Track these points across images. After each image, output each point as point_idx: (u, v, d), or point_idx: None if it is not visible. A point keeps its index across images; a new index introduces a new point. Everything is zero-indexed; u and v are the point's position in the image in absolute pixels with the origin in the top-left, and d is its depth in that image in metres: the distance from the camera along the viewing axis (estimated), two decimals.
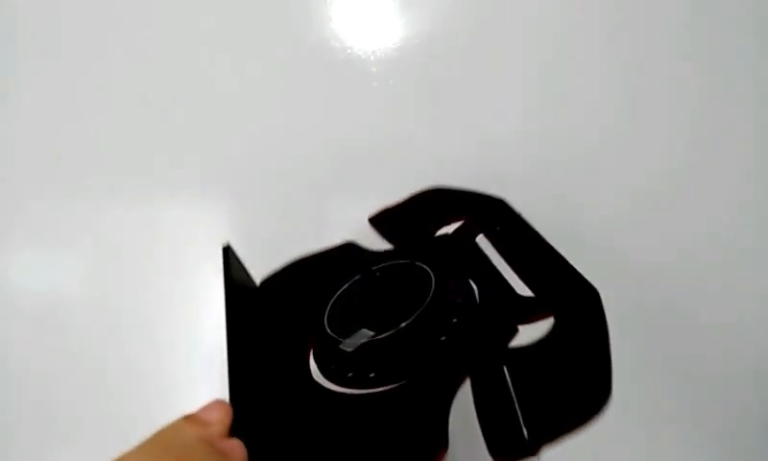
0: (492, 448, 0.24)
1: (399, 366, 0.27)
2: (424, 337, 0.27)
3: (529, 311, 0.27)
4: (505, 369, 0.25)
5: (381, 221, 0.37)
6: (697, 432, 0.46)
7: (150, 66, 0.51)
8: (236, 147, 0.50)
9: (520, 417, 0.24)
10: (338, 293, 0.31)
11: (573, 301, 0.26)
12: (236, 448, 0.23)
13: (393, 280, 0.31)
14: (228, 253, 0.30)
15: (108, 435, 0.46)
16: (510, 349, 0.26)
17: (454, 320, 0.28)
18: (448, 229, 0.35)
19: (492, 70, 0.50)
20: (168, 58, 0.51)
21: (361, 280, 0.32)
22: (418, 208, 0.36)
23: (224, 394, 0.26)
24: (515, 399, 0.24)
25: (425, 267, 0.31)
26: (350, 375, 0.28)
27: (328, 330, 0.30)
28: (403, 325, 0.27)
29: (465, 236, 0.33)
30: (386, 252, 0.35)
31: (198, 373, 0.47)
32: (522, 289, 0.28)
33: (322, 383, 0.28)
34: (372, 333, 0.28)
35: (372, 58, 0.50)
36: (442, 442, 0.24)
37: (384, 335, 0.27)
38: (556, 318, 0.25)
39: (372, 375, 0.27)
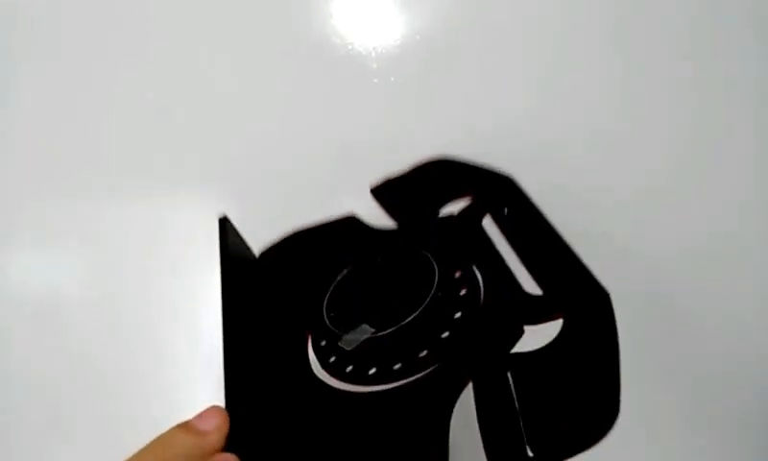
0: None
1: (400, 364, 0.26)
2: (426, 334, 0.26)
3: (537, 312, 0.26)
4: (509, 376, 0.24)
5: (383, 192, 0.35)
6: (698, 433, 0.45)
7: (150, 65, 0.51)
8: (236, 146, 0.50)
9: (524, 435, 0.23)
10: (337, 279, 0.30)
11: (583, 306, 0.25)
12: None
13: (394, 270, 0.30)
14: (224, 224, 0.29)
15: (108, 435, 0.46)
16: (515, 354, 0.25)
17: (457, 315, 0.27)
18: (454, 206, 0.33)
19: (492, 67, 0.50)
20: (168, 56, 0.51)
21: (362, 267, 0.31)
22: (422, 181, 0.34)
23: (222, 394, 0.26)
24: (519, 414, 0.23)
25: (428, 256, 0.29)
26: (349, 369, 0.27)
27: (328, 323, 0.29)
28: (404, 322, 0.26)
29: (470, 218, 0.31)
30: (388, 231, 0.34)
31: (198, 373, 0.46)
32: (528, 281, 0.27)
33: (319, 375, 0.27)
34: (372, 330, 0.27)
35: (372, 54, 0.49)
36: (441, 456, 0.23)
37: (385, 333, 0.27)
38: (564, 323, 0.25)
39: (371, 372, 0.26)
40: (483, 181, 0.32)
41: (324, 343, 0.29)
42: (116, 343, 0.47)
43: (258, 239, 0.48)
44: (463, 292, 0.28)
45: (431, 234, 0.32)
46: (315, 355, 0.28)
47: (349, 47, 0.49)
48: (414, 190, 0.34)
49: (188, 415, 0.25)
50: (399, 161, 0.49)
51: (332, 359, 0.28)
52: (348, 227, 0.35)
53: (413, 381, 0.25)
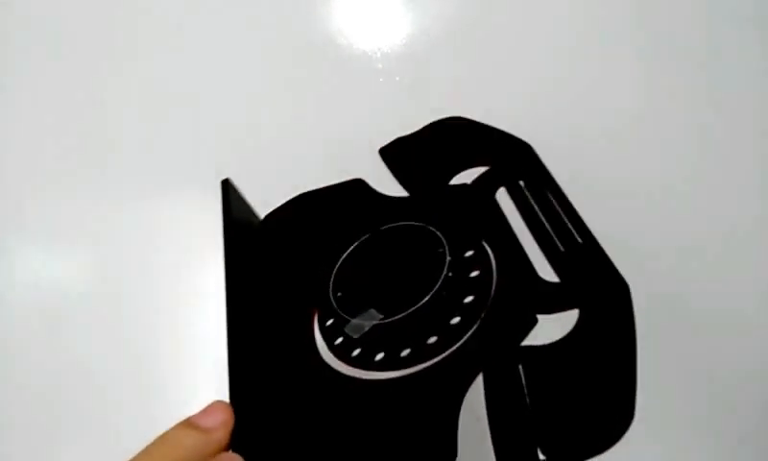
0: None
1: (408, 351, 0.25)
2: (436, 320, 0.25)
3: (552, 302, 0.25)
4: (521, 369, 0.23)
5: (393, 154, 0.32)
6: (710, 434, 0.44)
7: (154, 64, 0.51)
8: (240, 145, 0.49)
9: (535, 435, 0.22)
10: (344, 256, 0.29)
11: (602, 299, 0.24)
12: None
13: (403, 249, 0.29)
14: (226, 187, 0.28)
15: (111, 435, 0.45)
16: (527, 347, 0.24)
17: (469, 299, 0.25)
18: (467, 172, 0.31)
19: (500, 67, 0.49)
20: (171, 55, 0.51)
21: (369, 243, 0.29)
22: (434, 144, 0.32)
23: (226, 392, 0.26)
24: (531, 413, 0.22)
25: (439, 234, 0.28)
26: (356, 353, 0.26)
27: (334, 304, 0.28)
28: (413, 308, 0.25)
29: (484, 190, 0.29)
30: (397, 199, 0.32)
31: (201, 372, 0.45)
32: (542, 263, 0.26)
33: (326, 357, 0.26)
34: (380, 316, 0.26)
35: (378, 54, 0.49)
36: (450, 452, 0.22)
37: (393, 319, 0.26)
38: (580, 315, 0.23)
39: (378, 357, 0.25)
40: (499, 149, 0.30)
41: (330, 323, 0.28)
42: (118, 342, 0.47)
43: None
44: (474, 274, 0.26)
45: (442, 207, 0.30)
46: (321, 335, 0.27)
47: (355, 47, 0.49)
48: (425, 153, 0.32)
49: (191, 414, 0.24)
50: None
51: (339, 341, 0.27)
52: (356, 193, 0.33)
53: (420, 371, 0.24)
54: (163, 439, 0.22)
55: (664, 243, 0.46)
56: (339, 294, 0.28)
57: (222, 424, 0.23)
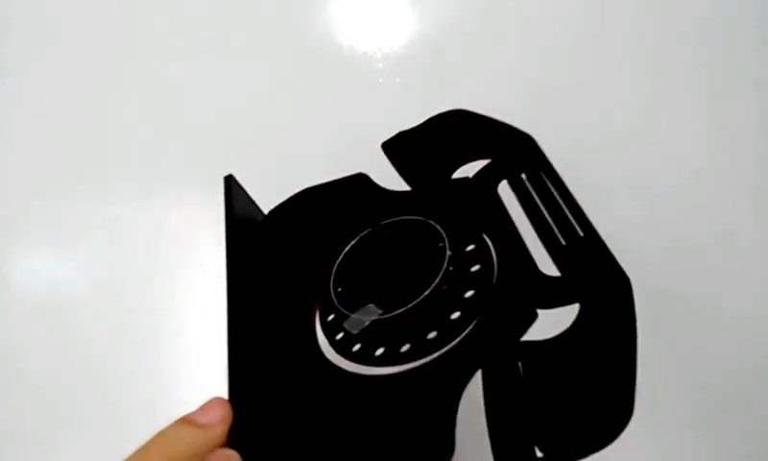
0: None
1: (408, 346, 0.25)
2: (435, 315, 0.25)
3: (552, 296, 0.24)
4: (520, 366, 0.23)
5: (395, 148, 0.33)
6: (710, 434, 0.44)
7: (154, 65, 0.51)
8: (241, 145, 0.49)
9: (533, 432, 0.22)
10: (345, 250, 0.29)
11: (602, 293, 0.24)
12: (231, 460, 0.22)
13: (403, 243, 0.28)
14: (229, 182, 0.27)
15: (111, 434, 0.45)
16: (526, 342, 0.23)
17: (469, 294, 0.25)
18: (470, 166, 0.31)
19: (500, 68, 0.49)
20: (173, 56, 0.51)
21: (369, 238, 0.29)
22: (437, 138, 0.32)
23: (226, 390, 0.26)
24: (528, 409, 0.22)
25: (439, 227, 0.28)
26: (356, 349, 0.26)
27: (335, 300, 0.27)
28: (413, 303, 0.25)
29: (486, 183, 0.29)
30: (399, 194, 0.32)
31: (202, 371, 0.45)
32: (544, 257, 0.25)
33: (327, 352, 0.26)
34: (379, 311, 0.26)
35: (378, 54, 0.49)
36: (447, 446, 0.22)
37: (392, 314, 0.25)
38: (580, 310, 0.23)
39: (378, 353, 0.25)
40: (501, 141, 0.30)
41: (331, 318, 0.28)
42: (119, 342, 0.47)
43: None
44: (475, 268, 0.26)
45: (443, 201, 0.30)
46: (322, 331, 0.27)
47: (355, 47, 0.49)
48: (427, 147, 0.32)
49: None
50: None
51: (339, 336, 0.27)
52: (358, 187, 0.33)
53: (419, 366, 0.24)
54: (161, 436, 0.22)
55: (664, 241, 0.46)
56: (339, 289, 0.28)
57: (219, 420, 0.23)
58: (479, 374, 0.22)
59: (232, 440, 0.23)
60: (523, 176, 0.28)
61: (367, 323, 0.26)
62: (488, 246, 0.27)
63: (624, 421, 0.21)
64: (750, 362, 0.44)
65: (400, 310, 0.25)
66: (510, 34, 0.50)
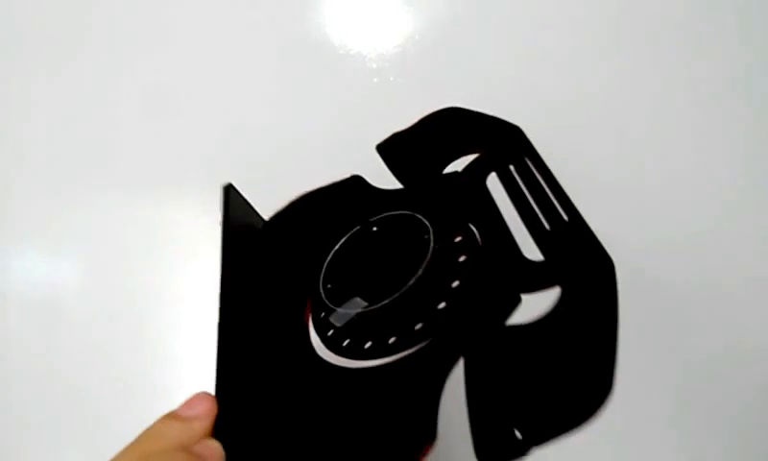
0: (477, 447, 0.22)
1: (395, 338, 0.25)
2: (421, 306, 0.25)
3: (535, 280, 0.24)
4: (500, 349, 0.23)
5: (389, 149, 0.33)
6: (700, 432, 0.44)
7: (151, 65, 0.51)
8: (235, 145, 0.50)
9: (512, 411, 0.22)
10: (335, 248, 0.29)
11: (584, 275, 0.24)
12: (213, 450, 0.23)
13: (390, 236, 0.29)
14: (227, 192, 0.27)
15: (109, 433, 0.45)
16: (508, 326, 0.23)
17: (455, 284, 0.25)
18: (462, 161, 0.31)
19: (493, 66, 0.50)
20: (170, 58, 0.52)
21: (358, 235, 0.29)
22: (429, 137, 0.32)
23: None
24: (509, 392, 0.22)
25: (425, 221, 0.28)
26: (346, 343, 0.26)
27: (323, 296, 0.28)
28: (397, 294, 0.25)
29: (474, 176, 0.29)
30: (392, 192, 0.32)
31: (201, 371, 0.46)
32: (530, 246, 0.25)
33: (319, 350, 0.26)
34: (364, 304, 0.26)
35: (372, 54, 0.49)
36: (429, 433, 0.22)
37: (377, 306, 0.25)
38: (562, 293, 0.23)
39: (367, 346, 0.25)
40: (490, 135, 0.30)
41: (322, 316, 0.28)
42: (116, 342, 0.47)
43: None
44: (461, 259, 0.26)
45: (431, 195, 0.30)
46: (314, 328, 0.27)
47: (349, 47, 0.50)
48: (420, 146, 0.32)
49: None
50: None
51: (330, 333, 0.27)
52: (353, 189, 0.33)
53: (405, 356, 0.24)
54: (147, 432, 0.23)
55: (660, 236, 0.46)
56: (328, 286, 0.28)
57: (204, 413, 0.23)
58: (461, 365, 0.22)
59: (218, 432, 0.23)
60: (511, 167, 0.28)
61: (352, 316, 0.26)
62: (474, 236, 0.27)
63: (602, 399, 0.21)
64: (737, 360, 0.44)
65: (385, 302, 0.25)
66: (503, 33, 0.50)
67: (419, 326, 0.25)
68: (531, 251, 0.25)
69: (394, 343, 0.25)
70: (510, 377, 0.22)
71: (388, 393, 0.24)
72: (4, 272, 0.49)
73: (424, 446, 0.22)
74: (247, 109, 0.50)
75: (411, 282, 0.25)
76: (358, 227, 0.30)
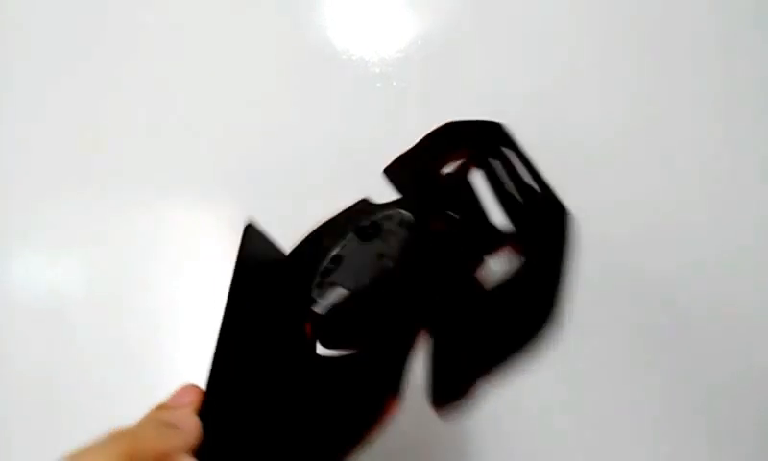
0: (433, 394, 0.23)
1: (369, 322, 0.26)
2: (398, 287, 0.26)
3: (496, 241, 0.26)
4: (463, 303, 0.25)
5: (394, 171, 0.35)
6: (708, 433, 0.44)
7: (153, 68, 0.51)
8: (239, 148, 0.50)
9: (460, 351, 0.24)
10: (331, 254, 0.30)
11: (541, 225, 0.26)
12: (187, 418, 0.23)
13: (379, 233, 0.30)
14: (246, 231, 0.28)
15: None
16: (470, 287, 0.25)
17: (430, 269, 0.27)
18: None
19: (495, 71, 0.50)
20: (174, 62, 0.52)
21: (352, 237, 0.31)
22: (425, 151, 0.34)
23: None
24: (459, 333, 0.24)
25: (407, 214, 0.29)
26: (330, 334, 0.27)
27: (314, 295, 0.29)
28: (372, 279, 0.26)
29: (459, 173, 0.31)
30: (391, 202, 0.33)
31: (200, 372, 0.46)
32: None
33: (317, 348, 0.27)
34: (345, 292, 0.27)
35: (375, 59, 0.50)
36: (392, 387, 0.23)
37: (355, 291, 0.26)
38: (524, 250, 0.25)
39: (346, 334, 0.26)
40: (472, 136, 0.32)
41: (314, 316, 0.29)
42: (117, 344, 0.47)
43: None
44: (437, 241, 0.28)
45: (419, 195, 0.32)
46: (312, 330, 0.29)
47: (352, 52, 0.50)
48: (418, 161, 0.34)
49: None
50: None
51: (320, 330, 0.28)
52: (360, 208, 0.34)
53: (377, 333, 0.25)
54: (138, 421, 0.24)
55: (662, 242, 0.47)
56: (319, 287, 0.29)
57: (189, 402, 0.24)
58: None
59: (205, 418, 0.24)
60: (491, 160, 0.30)
61: (334, 302, 0.27)
62: (453, 220, 0.28)
63: (539, 327, 0.23)
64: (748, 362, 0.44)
65: (362, 286, 0.26)
66: (505, 37, 0.50)
67: (394, 309, 0.26)
68: None
69: (369, 328, 0.26)
70: (469, 328, 0.24)
71: (358, 359, 0.25)
72: (5, 274, 0.49)
73: (387, 400, 0.23)
74: (249, 113, 0.50)
75: (384, 267, 0.26)
76: (352, 232, 0.31)
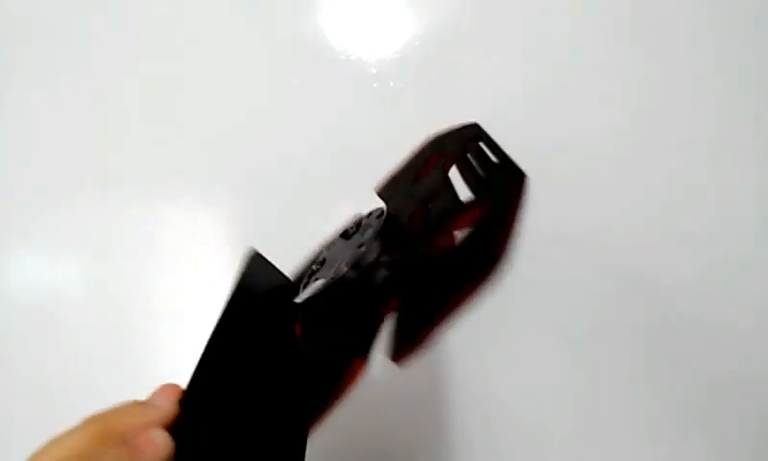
0: (390, 348, 0.25)
1: (344, 302, 0.27)
2: (369, 268, 0.27)
3: (459, 210, 0.28)
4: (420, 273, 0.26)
5: (384, 190, 0.35)
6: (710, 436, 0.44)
7: (151, 68, 0.51)
8: (236, 149, 0.50)
9: (415, 305, 0.25)
10: (318, 259, 0.31)
11: (496, 187, 0.28)
12: (162, 397, 0.23)
13: (358, 229, 0.30)
14: (246, 260, 0.29)
15: None
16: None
17: (398, 247, 0.28)
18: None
19: (493, 72, 0.50)
20: (172, 62, 0.52)
21: (337, 240, 0.31)
22: (410, 165, 0.35)
23: None
24: (417, 291, 0.26)
25: (385, 208, 0.30)
26: (310, 321, 0.27)
27: (300, 290, 0.29)
28: (347, 265, 0.26)
29: (439, 172, 0.32)
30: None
31: None
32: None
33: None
34: (322, 282, 0.28)
35: (372, 60, 0.50)
36: (360, 351, 0.24)
37: (332, 278, 0.27)
38: (481, 209, 0.27)
39: (325, 317, 0.27)
40: (452, 139, 0.33)
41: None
42: (116, 345, 0.47)
43: (259, 241, 0.48)
44: (404, 227, 0.29)
45: (401, 194, 0.33)
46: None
47: (349, 52, 0.50)
48: (404, 175, 0.35)
49: None
50: None
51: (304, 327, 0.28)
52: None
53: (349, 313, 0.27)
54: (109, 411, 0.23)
55: (662, 244, 0.47)
56: (305, 282, 0.30)
57: (167, 402, 0.24)
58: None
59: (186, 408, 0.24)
60: (469, 155, 0.31)
61: (311, 292, 0.28)
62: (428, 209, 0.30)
63: (493, 269, 0.25)
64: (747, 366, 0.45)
65: (339, 273, 0.27)
66: (504, 38, 0.50)
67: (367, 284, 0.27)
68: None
69: (343, 318, 0.27)
70: (426, 284, 0.26)
71: (327, 328, 0.27)
72: (3, 275, 0.49)
73: (354, 362, 0.24)
74: (247, 114, 0.50)
75: (360, 254, 0.27)
76: (338, 236, 0.32)
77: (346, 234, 0.31)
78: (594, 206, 0.47)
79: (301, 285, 0.29)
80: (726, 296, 0.45)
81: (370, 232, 0.28)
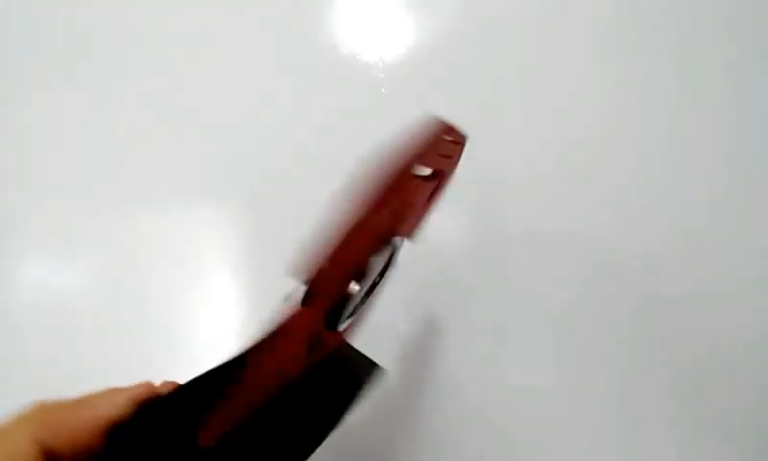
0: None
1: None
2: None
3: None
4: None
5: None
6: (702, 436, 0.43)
7: (157, 70, 0.52)
8: (242, 152, 0.50)
9: None
10: None
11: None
12: (116, 394, 0.23)
13: None
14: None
15: None
16: None
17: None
18: None
19: (500, 76, 0.50)
20: (179, 65, 0.52)
21: None
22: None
23: None
24: None
25: None
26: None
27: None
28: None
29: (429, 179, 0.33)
30: None
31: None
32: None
33: None
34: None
35: (380, 64, 0.50)
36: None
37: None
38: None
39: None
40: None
41: None
42: (120, 348, 0.47)
43: (264, 247, 0.48)
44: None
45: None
46: None
47: (357, 57, 0.50)
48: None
49: None
50: None
51: None
52: None
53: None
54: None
55: (661, 245, 0.46)
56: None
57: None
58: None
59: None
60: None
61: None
62: None
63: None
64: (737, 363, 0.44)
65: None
66: (510, 42, 0.50)
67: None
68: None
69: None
70: None
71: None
72: (13, 281, 0.49)
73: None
74: (253, 117, 0.50)
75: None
76: None
77: None
78: (594, 205, 0.47)
79: None
80: (726, 295, 0.45)
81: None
